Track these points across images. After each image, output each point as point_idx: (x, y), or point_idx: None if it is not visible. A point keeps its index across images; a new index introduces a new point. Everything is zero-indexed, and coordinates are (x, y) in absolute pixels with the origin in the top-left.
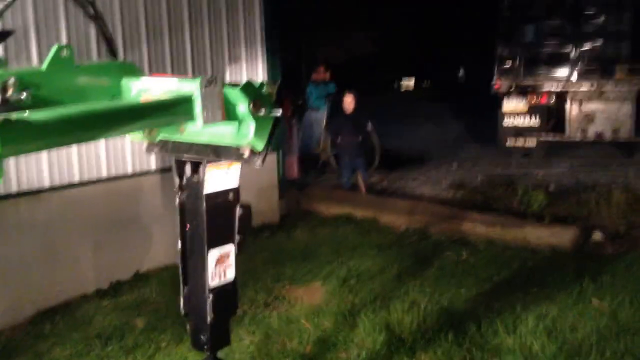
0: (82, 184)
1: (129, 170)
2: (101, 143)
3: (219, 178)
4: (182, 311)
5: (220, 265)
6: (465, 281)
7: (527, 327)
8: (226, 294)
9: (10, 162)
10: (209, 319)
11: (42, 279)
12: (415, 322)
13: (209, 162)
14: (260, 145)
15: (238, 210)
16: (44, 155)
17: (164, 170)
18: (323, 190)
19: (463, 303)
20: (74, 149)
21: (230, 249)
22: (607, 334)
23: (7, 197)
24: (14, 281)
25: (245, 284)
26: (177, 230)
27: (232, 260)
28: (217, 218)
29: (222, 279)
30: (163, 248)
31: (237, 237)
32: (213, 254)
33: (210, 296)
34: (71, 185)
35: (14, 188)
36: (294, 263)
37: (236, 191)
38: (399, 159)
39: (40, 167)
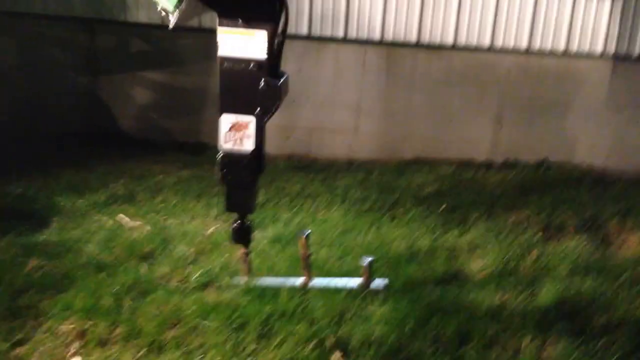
0: (492, 50)
1: (561, 46)
2: (529, 7)
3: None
4: None
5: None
6: None
7: None
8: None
9: (415, 13)
10: None
11: (424, 130)
12: None
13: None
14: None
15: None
16: (452, 13)
17: (617, 57)
18: None
19: None
20: (490, 10)
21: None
22: None
23: (405, 45)
24: (397, 125)
25: None
26: None
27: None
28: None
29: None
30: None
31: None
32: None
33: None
34: (477, 49)
35: (413, 38)
36: None
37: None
38: None
39: (447, 25)
